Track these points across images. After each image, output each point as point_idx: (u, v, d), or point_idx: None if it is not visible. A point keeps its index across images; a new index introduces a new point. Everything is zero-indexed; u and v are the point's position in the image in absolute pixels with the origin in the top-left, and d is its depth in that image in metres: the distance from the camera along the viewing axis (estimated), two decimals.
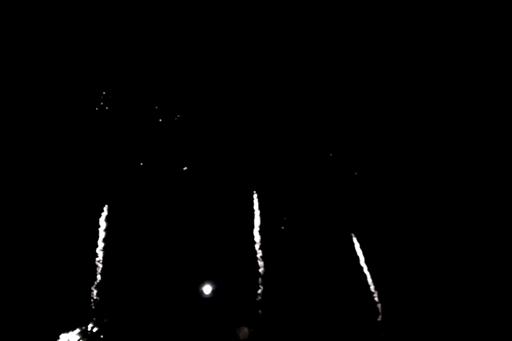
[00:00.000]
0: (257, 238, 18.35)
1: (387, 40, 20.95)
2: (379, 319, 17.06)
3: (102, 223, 18.01)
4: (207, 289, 16.95)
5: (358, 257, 18.43)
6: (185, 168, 19.11)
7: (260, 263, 17.89)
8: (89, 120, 19.13)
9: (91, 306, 16.47)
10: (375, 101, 20.90)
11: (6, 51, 18.94)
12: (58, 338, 15.62)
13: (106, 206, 18.24)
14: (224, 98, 20.62)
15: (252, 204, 19.22)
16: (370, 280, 18.00)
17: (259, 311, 16.66)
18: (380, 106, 20.73)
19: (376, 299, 17.54)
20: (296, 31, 21.06)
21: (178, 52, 20.60)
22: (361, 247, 18.65)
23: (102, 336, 15.71)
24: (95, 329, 15.82)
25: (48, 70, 19.43)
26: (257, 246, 18.23)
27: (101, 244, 17.55)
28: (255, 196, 19.55)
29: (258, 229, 18.61)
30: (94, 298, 16.62)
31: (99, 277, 17.06)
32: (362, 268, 18.26)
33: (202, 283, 17.16)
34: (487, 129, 20.24)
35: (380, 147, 20.37)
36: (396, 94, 20.86)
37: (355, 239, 18.73)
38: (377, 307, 17.31)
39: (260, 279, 17.45)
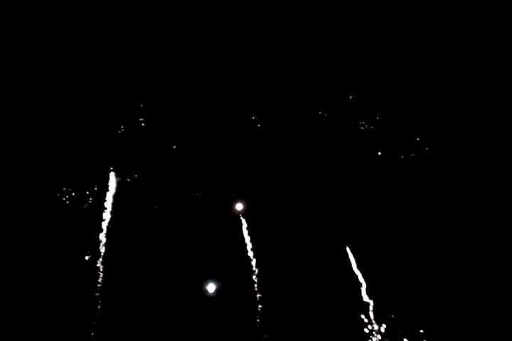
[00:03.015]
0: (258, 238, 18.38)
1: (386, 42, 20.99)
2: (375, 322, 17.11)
3: (103, 222, 18.05)
4: (210, 288, 16.97)
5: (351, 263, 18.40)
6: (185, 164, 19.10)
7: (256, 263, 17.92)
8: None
9: (93, 306, 16.51)
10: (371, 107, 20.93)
11: (6, 51, 18.98)
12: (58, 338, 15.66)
13: (106, 205, 18.27)
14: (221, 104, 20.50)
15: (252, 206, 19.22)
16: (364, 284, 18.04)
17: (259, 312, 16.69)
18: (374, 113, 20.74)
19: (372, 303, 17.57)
20: (296, 32, 21.08)
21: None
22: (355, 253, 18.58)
23: (103, 336, 15.73)
24: (97, 330, 15.85)
25: (47, 70, 19.46)
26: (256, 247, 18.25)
27: (102, 243, 17.60)
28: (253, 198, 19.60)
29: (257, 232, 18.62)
30: (96, 298, 16.67)
31: (101, 276, 17.11)
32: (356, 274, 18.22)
33: (205, 281, 17.18)
34: (485, 132, 20.30)
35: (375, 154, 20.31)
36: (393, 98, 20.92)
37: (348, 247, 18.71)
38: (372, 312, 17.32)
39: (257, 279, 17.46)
